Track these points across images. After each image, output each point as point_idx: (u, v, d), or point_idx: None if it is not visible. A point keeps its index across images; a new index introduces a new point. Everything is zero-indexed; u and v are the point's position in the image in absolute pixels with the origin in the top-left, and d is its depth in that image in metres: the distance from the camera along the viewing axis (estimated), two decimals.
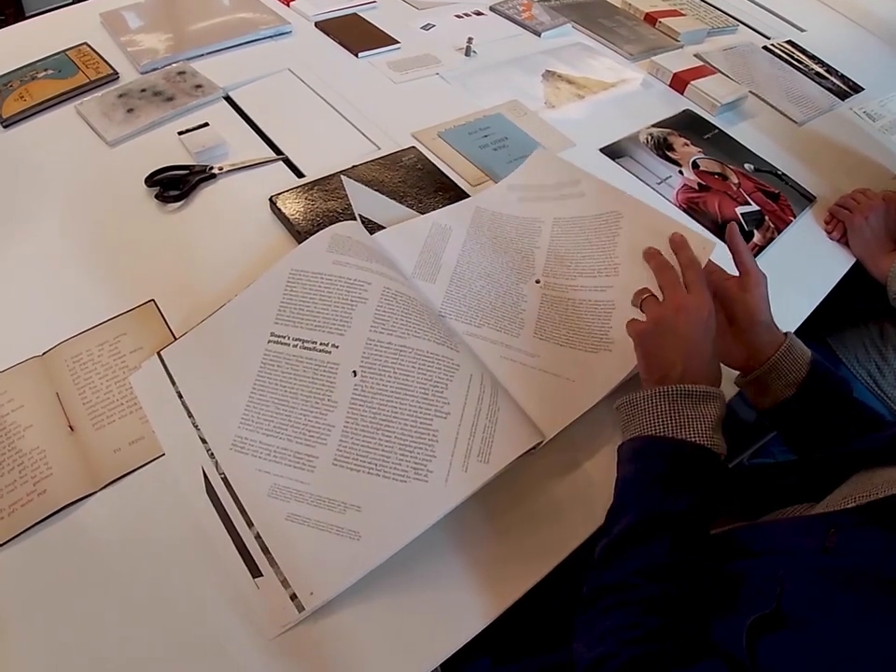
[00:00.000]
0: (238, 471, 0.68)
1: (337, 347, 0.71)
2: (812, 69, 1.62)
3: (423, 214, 0.91)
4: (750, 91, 1.42)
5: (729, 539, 0.60)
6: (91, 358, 0.76)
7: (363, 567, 0.62)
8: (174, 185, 0.94)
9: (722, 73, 1.45)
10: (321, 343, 0.72)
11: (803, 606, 0.47)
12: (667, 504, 0.56)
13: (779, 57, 1.63)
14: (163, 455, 0.69)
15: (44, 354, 0.75)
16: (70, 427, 0.70)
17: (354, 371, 0.70)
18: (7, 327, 0.78)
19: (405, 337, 0.71)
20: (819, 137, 1.40)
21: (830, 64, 1.67)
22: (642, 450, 0.61)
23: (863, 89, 1.61)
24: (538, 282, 0.84)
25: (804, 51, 1.69)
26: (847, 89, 1.59)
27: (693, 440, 0.59)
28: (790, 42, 1.71)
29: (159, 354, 0.75)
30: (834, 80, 1.61)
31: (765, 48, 1.65)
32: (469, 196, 0.97)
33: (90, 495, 0.66)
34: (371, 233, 0.84)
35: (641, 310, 0.70)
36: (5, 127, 1.02)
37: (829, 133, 1.41)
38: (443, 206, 0.93)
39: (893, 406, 1.14)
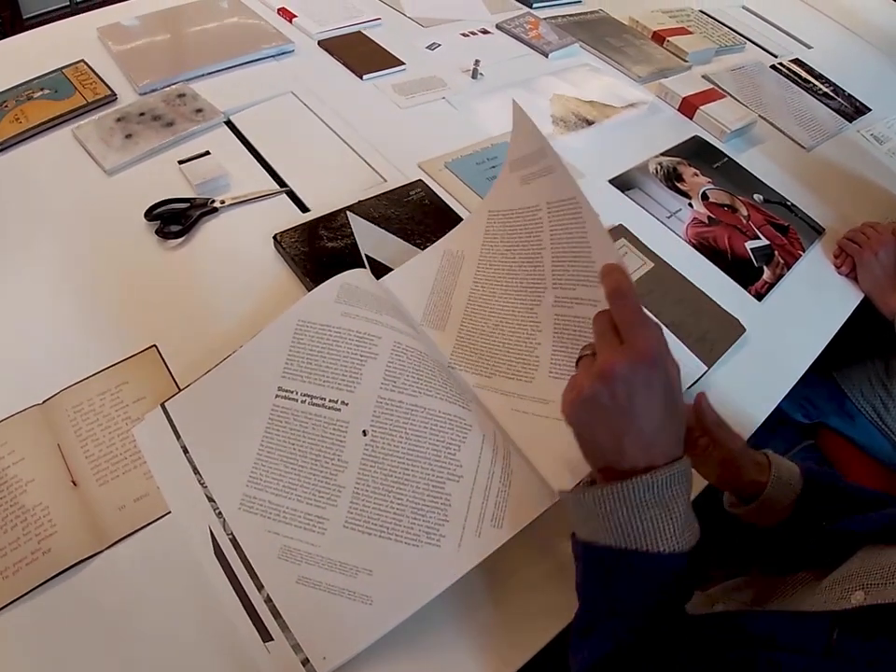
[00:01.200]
0: (247, 532, 0.66)
1: (347, 405, 0.70)
2: (819, 90, 1.62)
3: None
4: (759, 115, 1.41)
5: (727, 622, 0.58)
6: (92, 408, 0.74)
7: (376, 632, 0.61)
8: (174, 219, 0.92)
9: (731, 96, 1.44)
10: (330, 400, 0.71)
11: None
12: (635, 622, 0.51)
13: (787, 77, 1.62)
14: (169, 513, 0.67)
15: (44, 402, 0.73)
16: (73, 482, 0.69)
17: (364, 431, 0.69)
18: (4, 372, 0.76)
19: (416, 395, 0.70)
20: (827, 163, 1.40)
21: (837, 84, 1.67)
22: (602, 565, 0.53)
23: (870, 109, 1.62)
24: (554, 301, 0.77)
25: (810, 71, 1.69)
26: (853, 110, 1.59)
27: (660, 549, 0.50)
28: (796, 61, 1.71)
29: (163, 405, 0.73)
30: (841, 101, 1.61)
31: (773, 67, 1.64)
32: None
33: (95, 554, 0.65)
34: (379, 275, 0.83)
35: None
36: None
37: (837, 159, 1.41)
38: None
39: None
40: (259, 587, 0.63)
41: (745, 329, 0.95)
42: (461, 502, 0.66)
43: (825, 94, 1.61)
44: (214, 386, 0.74)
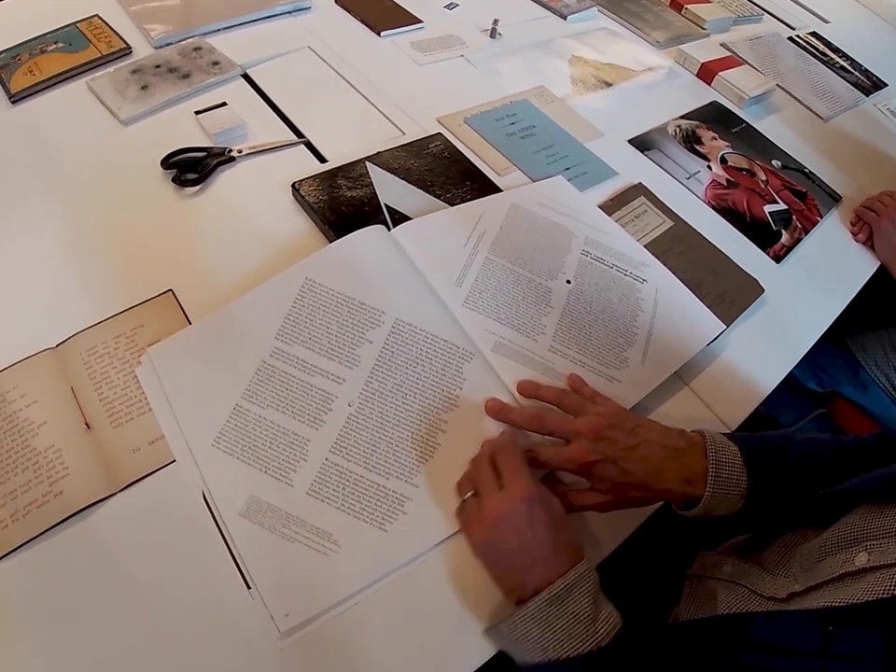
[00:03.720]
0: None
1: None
2: (837, 63, 1.57)
3: (451, 204, 0.86)
4: (777, 85, 1.36)
5: (729, 624, 0.56)
6: (106, 351, 0.71)
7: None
8: (191, 168, 0.89)
9: (749, 64, 1.39)
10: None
11: None
12: None
13: (804, 49, 1.57)
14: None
15: (57, 346, 0.71)
16: (86, 425, 0.66)
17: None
18: (18, 316, 0.73)
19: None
20: (845, 134, 1.35)
21: (853, 58, 1.62)
22: None
23: (887, 84, 1.57)
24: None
25: (828, 44, 1.64)
26: (870, 84, 1.54)
27: (577, 653, 0.52)
28: (814, 34, 1.66)
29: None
30: (858, 75, 1.56)
31: (791, 39, 1.59)
32: (497, 186, 0.93)
33: (108, 497, 0.62)
34: (396, 224, 0.80)
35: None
36: (13, 102, 0.96)
37: (854, 131, 1.37)
38: (471, 197, 0.88)
39: None
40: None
41: (763, 290, 0.92)
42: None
43: (842, 68, 1.57)
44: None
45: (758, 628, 0.54)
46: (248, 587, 0.59)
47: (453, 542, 0.63)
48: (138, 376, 0.69)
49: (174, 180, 0.87)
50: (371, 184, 0.85)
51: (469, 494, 0.62)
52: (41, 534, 0.59)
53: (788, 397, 1.18)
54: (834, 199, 1.16)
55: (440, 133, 0.98)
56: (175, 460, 0.64)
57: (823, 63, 1.55)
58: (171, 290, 0.76)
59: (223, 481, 0.63)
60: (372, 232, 0.77)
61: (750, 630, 0.54)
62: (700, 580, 0.68)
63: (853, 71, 1.57)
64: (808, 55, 1.56)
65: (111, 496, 0.62)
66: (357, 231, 0.76)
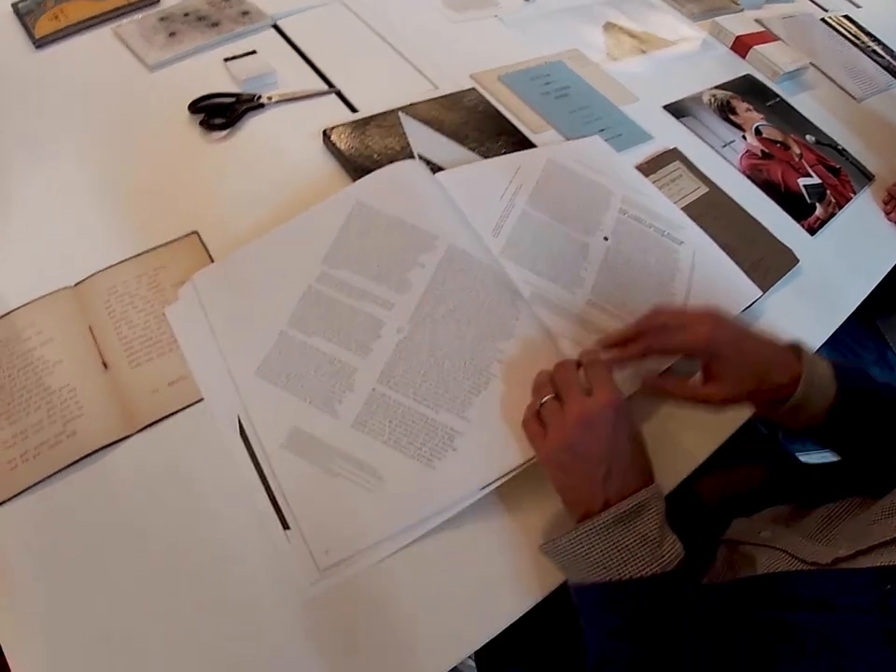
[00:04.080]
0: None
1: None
2: (869, 46, 1.52)
3: (485, 157, 0.83)
4: (811, 63, 1.32)
5: (773, 583, 0.53)
6: (127, 291, 0.68)
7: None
8: (219, 113, 0.86)
9: (783, 41, 1.35)
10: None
11: None
12: (642, 648, 0.50)
13: (836, 31, 1.52)
14: (202, 399, 0.62)
15: (76, 284, 0.68)
16: (104, 365, 0.63)
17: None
18: (38, 254, 0.70)
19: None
20: (877, 115, 1.31)
21: (885, 43, 1.57)
22: (591, 601, 0.53)
23: None
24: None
25: (860, 28, 1.59)
26: None
27: (641, 574, 0.50)
28: (846, 17, 1.61)
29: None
30: (890, 60, 1.51)
31: (823, 20, 1.54)
32: (532, 142, 0.90)
33: (123, 438, 0.60)
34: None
35: (539, 413, 0.58)
36: (37, 47, 0.93)
37: (886, 113, 1.32)
38: (506, 152, 0.85)
39: None
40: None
41: (798, 260, 0.89)
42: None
43: (874, 52, 1.52)
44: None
45: (805, 586, 0.50)
46: (285, 527, 0.56)
47: (502, 488, 0.60)
48: (168, 315, 0.66)
49: (201, 124, 0.84)
50: (404, 134, 0.82)
51: (548, 397, 0.57)
52: (52, 475, 0.57)
53: None
54: (867, 177, 1.12)
55: (474, 89, 0.95)
56: (194, 402, 0.62)
57: (855, 45, 1.51)
58: (196, 232, 0.74)
59: (266, 411, 0.61)
60: (418, 164, 0.75)
61: (797, 588, 0.50)
62: (736, 545, 0.65)
63: (885, 56, 1.52)
64: (840, 37, 1.51)
65: (127, 437, 0.60)
66: (405, 161, 0.73)
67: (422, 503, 0.58)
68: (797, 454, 0.90)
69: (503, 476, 0.59)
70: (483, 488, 0.59)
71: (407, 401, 0.61)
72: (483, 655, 0.78)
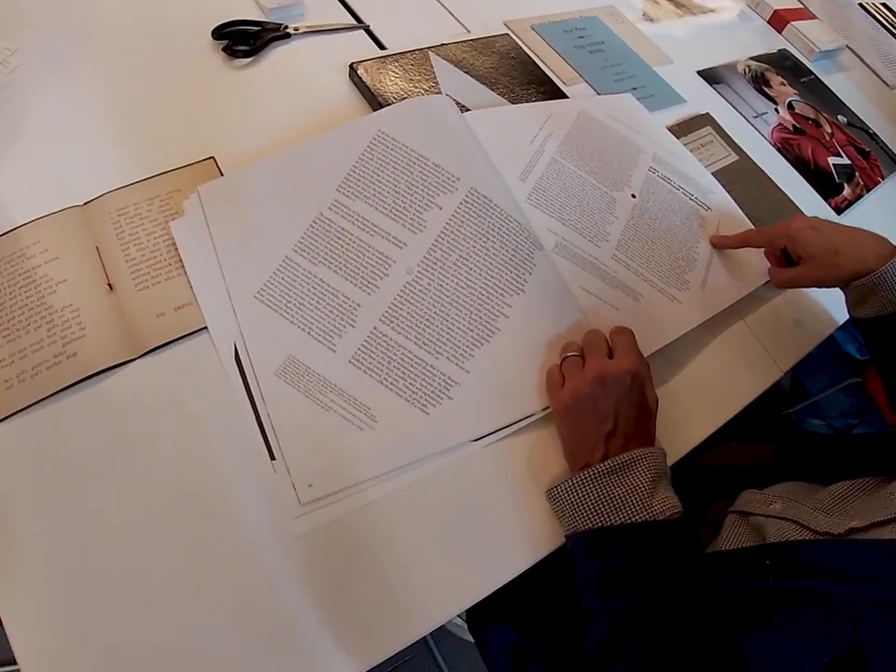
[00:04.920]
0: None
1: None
2: None
3: (514, 103, 0.79)
4: (846, 45, 1.26)
5: (794, 551, 0.51)
6: (138, 212, 0.64)
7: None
8: (243, 40, 0.80)
9: (821, 20, 1.28)
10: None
11: (885, 650, 0.39)
12: (631, 599, 0.50)
13: (874, 17, 1.45)
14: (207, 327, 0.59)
15: (86, 204, 0.64)
16: (109, 286, 0.59)
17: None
18: (49, 172, 0.65)
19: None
20: None
21: None
22: (584, 548, 0.54)
23: None
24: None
25: None
26: None
27: (631, 520, 0.51)
28: (885, 5, 1.53)
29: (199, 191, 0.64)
30: None
31: (861, 5, 1.47)
32: (563, 93, 0.85)
33: (125, 363, 0.56)
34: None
35: (561, 369, 0.59)
36: None
37: None
38: (536, 100, 0.81)
39: None
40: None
41: None
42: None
43: None
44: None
45: (823, 555, 0.48)
46: (272, 458, 0.53)
47: (499, 445, 0.58)
48: (173, 229, 0.62)
49: (224, 50, 0.79)
50: (433, 74, 0.77)
51: (572, 353, 0.59)
52: (49, 396, 0.53)
53: (824, 359, 1.10)
54: None
55: (507, 34, 0.90)
56: (201, 328, 0.58)
57: (891, 34, 1.44)
58: (213, 158, 0.69)
59: (262, 336, 0.57)
60: (447, 100, 0.70)
61: (814, 556, 0.48)
62: (745, 516, 0.62)
63: None
64: (877, 23, 1.44)
65: (129, 361, 0.56)
66: (434, 95, 0.68)
67: (412, 447, 0.55)
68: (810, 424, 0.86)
69: (496, 431, 0.57)
70: (476, 440, 0.57)
71: (408, 344, 0.58)
72: (472, 612, 0.76)
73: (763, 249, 0.72)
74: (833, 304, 0.80)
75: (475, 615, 0.76)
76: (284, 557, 0.51)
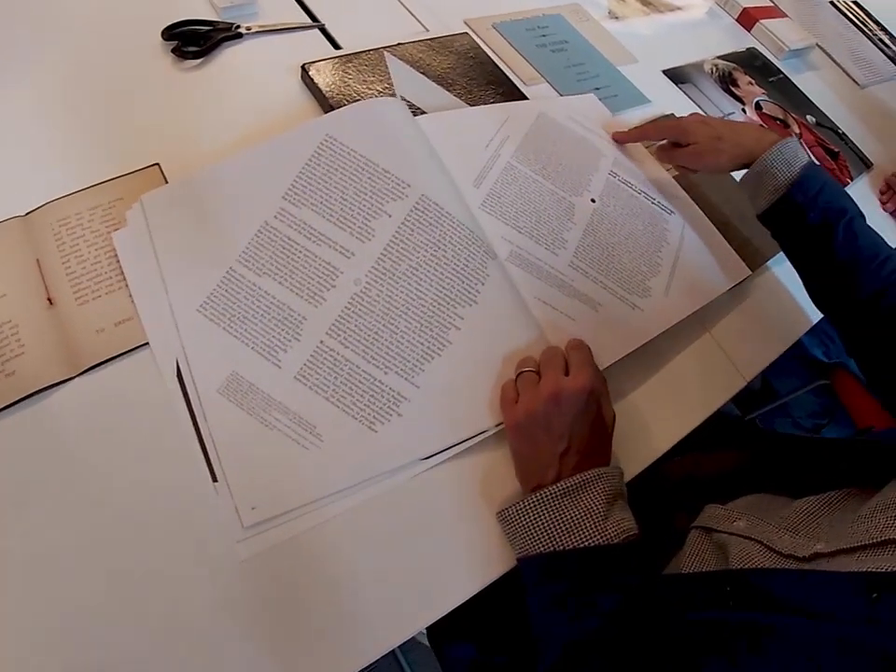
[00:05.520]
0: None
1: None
2: (876, 34, 1.47)
3: (471, 105, 0.77)
4: (817, 44, 1.26)
5: (756, 580, 0.49)
6: (80, 223, 0.62)
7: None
8: (194, 41, 0.78)
9: (790, 19, 1.28)
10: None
11: None
12: (582, 625, 0.48)
13: (844, 15, 1.45)
14: (148, 343, 0.56)
15: (27, 214, 0.61)
16: (49, 301, 0.57)
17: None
18: None
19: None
20: (880, 104, 1.26)
21: (892, 33, 1.50)
22: (535, 572, 0.52)
23: None
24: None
25: (869, 15, 1.52)
26: None
27: (584, 544, 0.50)
28: (856, 2, 1.54)
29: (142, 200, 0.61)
30: None
31: (832, 2, 1.47)
32: (522, 94, 0.83)
33: (65, 381, 0.54)
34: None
35: (516, 384, 0.58)
36: None
37: (889, 102, 1.28)
38: (494, 101, 0.79)
39: None
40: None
41: None
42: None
43: (881, 40, 1.46)
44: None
45: (784, 586, 0.46)
46: (214, 480, 0.51)
47: (450, 463, 0.56)
48: (115, 240, 0.60)
49: (173, 51, 0.76)
50: (388, 76, 0.75)
51: (528, 369, 0.57)
52: None
53: (792, 364, 1.10)
54: (866, 164, 1.08)
55: (466, 34, 0.88)
56: (141, 344, 0.56)
57: (862, 32, 1.44)
58: (157, 164, 0.66)
59: (205, 352, 0.55)
60: (399, 103, 0.68)
61: (774, 588, 0.46)
62: (708, 532, 0.60)
63: (891, 45, 1.46)
64: (848, 22, 1.44)
65: (69, 379, 0.54)
66: (384, 98, 0.67)
67: (360, 467, 0.53)
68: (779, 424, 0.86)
69: (447, 448, 0.55)
70: (426, 458, 0.55)
71: (355, 358, 0.56)
72: (433, 627, 0.75)
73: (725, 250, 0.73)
74: (797, 313, 0.80)
75: (436, 630, 0.75)
76: (226, 584, 0.49)
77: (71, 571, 0.47)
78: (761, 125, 0.71)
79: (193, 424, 0.53)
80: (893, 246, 0.95)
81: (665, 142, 0.78)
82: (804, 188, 0.66)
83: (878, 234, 0.68)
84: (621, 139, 0.79)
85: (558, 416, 0.53)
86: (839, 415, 1.22)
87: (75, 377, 0.54)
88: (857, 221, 0.67)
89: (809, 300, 0.81)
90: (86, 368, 0.54)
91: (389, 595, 0.52)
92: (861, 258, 0.65)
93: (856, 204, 0.69)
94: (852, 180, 1.02)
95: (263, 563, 0.50)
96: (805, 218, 0.66)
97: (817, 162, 0.68)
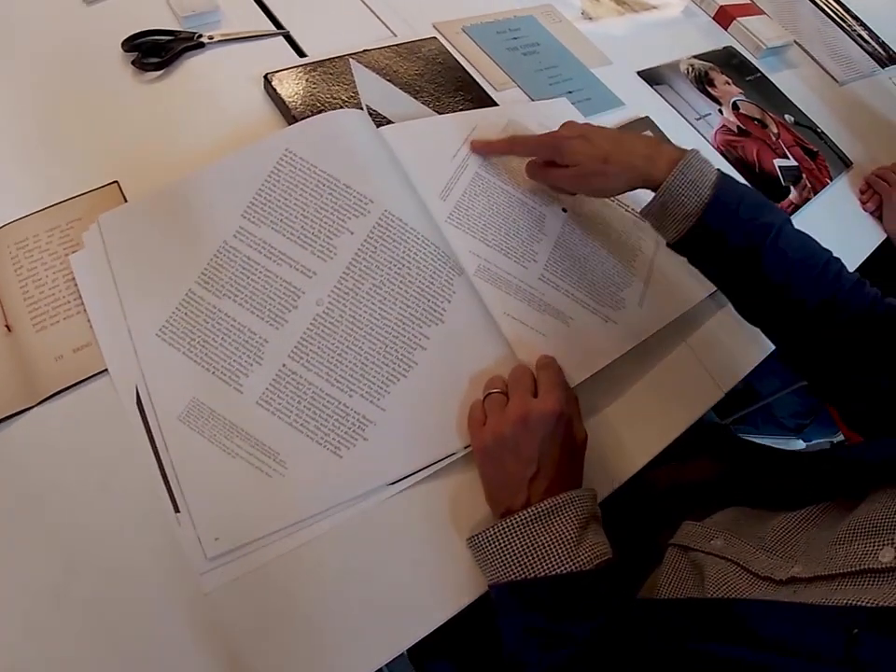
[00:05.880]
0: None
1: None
2: (855, 30, 1.46)
3: (439, 113, 0.75)
4: (794, 41, 1.25)
5: (735, 610, 0.48)
6: (37, 245, 0.60)
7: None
8: (154, 52, 0.76)
9: (768, 16, 1.27)
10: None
11: None
12: (554, 654, 0.48)
13: (823, 11, 1.45)
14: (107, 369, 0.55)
15: None
16: (6, 327, 0.56)
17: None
18: None
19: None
20: (859, 101, 1.25)
21: (871, 28, 1.50)
22: (506, 600, 0.51)
23: None
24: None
25: (847, 10, 1.51)
26: (886, 57, 1.43)
27: (556, 571, 0.49)
28: None
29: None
30: (875, 45, 1.45)
31: None
32: (492, 100, 0.81)
33: (24, 410, 0.52)
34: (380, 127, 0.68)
35: (484, 405, 0.57)
36: None
37: (868, 99, 1.27)
38: (463, 108, 0.77)
39: None
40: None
41: None
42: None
43: (859, 35, 1.45)
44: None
45: (762, 621, 0.44)
46: (176, 510, 0.50)
47: (419, 487, 0.55)
48: (72, 263, 0.58)
49: (133, 63, 0.74)
50: (353, 83, 0.73)
51: (495, 390, 0.56)
52: None
53: (773, 364, 1.09)
54: (845, 163, 1.07)
55: (434, 38, 0.86)
56: (101, 371, 0.55)
57: (841, 27, 1.44)
58: (116, 182, 0.65)
59: (165, 378, 0.54)
60: (361, 115, 0.66)
61: (753, 621, 0.45)
62: (685, 550, 0.60)
63: (870, 41, 1.46)
64: (827, 17, 1.44)
65: (28, 409, 0.53)
66: (345, 110, 0.65)
67: (325, 494, 0.52)
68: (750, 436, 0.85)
69: (415, 472, 0.54)
70: (393, 483, 0.54)
71: (319, 382, 0.55)
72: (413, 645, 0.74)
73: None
74: None
75: (416, 649, 0.74)
76: (192, 617, 0.48)
77: (31, 604, 0.46)
78: (645, 138, 0.65)
79: (154, 453, 0.52)
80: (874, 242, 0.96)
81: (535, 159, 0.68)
82: (718, 210, 0.58)
83: (809, 237, 0.62)
84: (480, 150, 0.69)
85: (527, 440, 0.52)
86: (822, 415, 1.22)
87: (34, 406, 0.52)
88: (784, 233, 0.59)
89: None
90: (45, 397, 0.53)
91: (358, 624, 0.50)
92: (797, 275, 0.58)
93: (780, 212, 0.61)
94: (832, 180, 1.01)
95: (229, 594, 0.49)
96: (725, 243, 0.58)
97: (723, 169, 0.60)
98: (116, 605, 0.48)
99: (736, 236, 0.58)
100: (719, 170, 0.60)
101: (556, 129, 0.66)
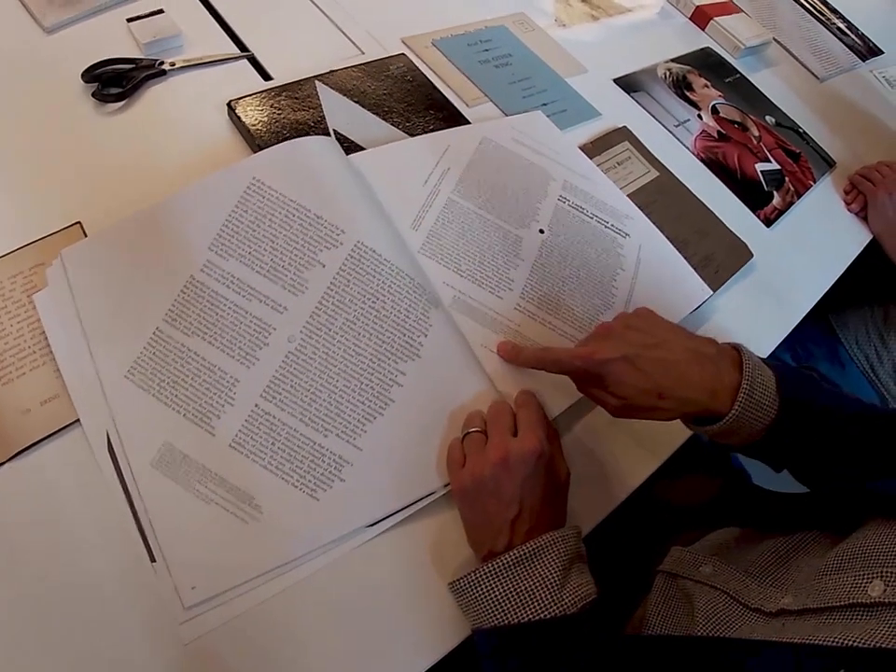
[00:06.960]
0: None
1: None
2: (834, 24, 1.46)
3: (410, 135, 0.73)
4: (774, 38, 1.24)
5: (724, 649, 0.47)
6: (0, 294, 0.58)
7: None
8: (115, 82, 0.74)
9: (746, 13, 1.27)
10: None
11: None
12: None
13: (800, 5, 1.45)
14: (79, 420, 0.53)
15: None
16: None
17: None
18: None
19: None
20: (840, 97, 1.24)
21: (851, 21, 1.50)
22: (489, 645, 0.50)
23: (883, 52, 1.45)
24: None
25: (826, 3, 1.51)
26: (866, 49, 1.43)
27: (540, 616, 0.48)
28: None
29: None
30: (855, 39, 1.44)
31: None
32: (465, 117, 0.80)
33: None
34: (347, 154, 0.67)
35: (462, 445, 0.55)
36: None
37: (849, 94, 1.26)
38: (435, 128, 0.76)
39: (887, 396, 1.04)
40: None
41: (752, 255, 0.83)
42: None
43: (839, 29, 1.45)
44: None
45: (757, 660, 0.44)
46: (152, 560, 0.49)
47: (398, 528, 0.54)
48: (37, 302, 0.57)
49: (94, 95, 0.72)
50: (320, 107, 0.72)
51: (474, 429, 0.55)
52: None
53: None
54: (829, 163, 1.06)
55: (403, 55, 0.84)
56: (71, 422, 0.53)
57: (820, 22, 1.44)
58: (79, 223, 0.63)
59: (135, 422, 0.53)
60: (329, 142, 0.65)
61: (743, 662, 0.44)
62: (674, 578, 0.59)
63: (850, 34, 1.45)
64: (805, 12, 1.44)
65: None
66: (314, 136, 0.64)
67: (302, 539, 0.51)
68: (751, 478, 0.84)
69: (394, 513, 0.53)
70: (372, 525, 0.52)
71: (293, 422, 0.54)
72: None
73: None
74: (762, 330, 0.79)
75: None
76: (171, 668, 0.47)
77: (9, 661, 0.46)
78: (709, 352, 0.53)
79: (128, 501, 0.51)
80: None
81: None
82: (793, 415, 0.51)
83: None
84: (509, 358, 0.60)
85: (507, 481, 0.51)
86: None
87: (3, 464, 0.51)
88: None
89: (774, 315, 0.81)
90: (14, 453, 0.52)
91: (341, 671, 0.50)
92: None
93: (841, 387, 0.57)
94: (815, 181, 1.00)
95: (208, 644, 0.48)
96: (803, 435, 0.52)
97: (783, 362, 0.54)
98: (99, 663, 0.47)
99: (813, 420, 0.52)
100: (776, 371, 0.53)
101: (535, 145, 0.64)
